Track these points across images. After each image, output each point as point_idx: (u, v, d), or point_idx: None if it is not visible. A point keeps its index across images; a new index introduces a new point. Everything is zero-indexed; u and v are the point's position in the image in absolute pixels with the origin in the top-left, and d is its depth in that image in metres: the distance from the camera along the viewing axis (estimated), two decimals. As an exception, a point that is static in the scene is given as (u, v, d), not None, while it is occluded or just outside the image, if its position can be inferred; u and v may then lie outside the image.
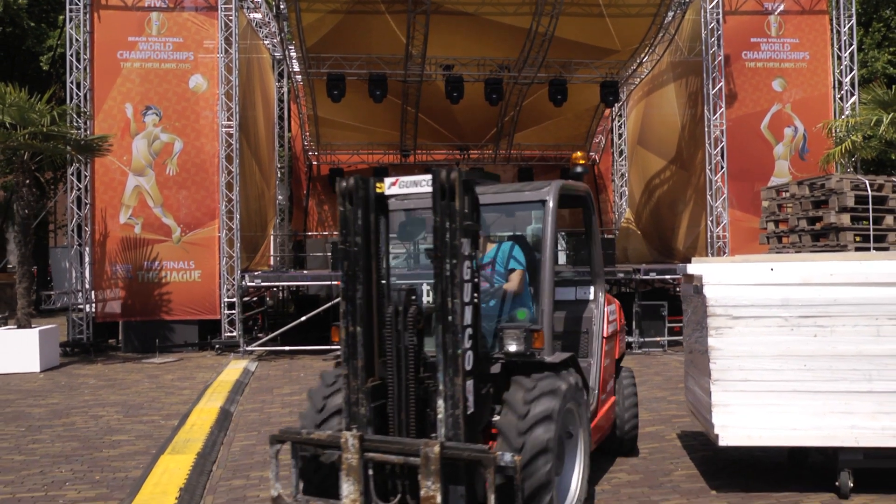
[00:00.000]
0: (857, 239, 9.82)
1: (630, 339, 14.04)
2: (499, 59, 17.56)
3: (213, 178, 14.94)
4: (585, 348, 6.23)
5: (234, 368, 12.36)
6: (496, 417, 4.77)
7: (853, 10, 15.95)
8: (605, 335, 6.23)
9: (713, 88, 15.35)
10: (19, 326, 12.92)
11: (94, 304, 14.65)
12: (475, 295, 4.49)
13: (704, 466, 6.49)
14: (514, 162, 23.05)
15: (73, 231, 14.97)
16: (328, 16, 15.92)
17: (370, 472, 4.35)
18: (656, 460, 6.76)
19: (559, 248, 13.72)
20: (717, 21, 15.34)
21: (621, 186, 22.63)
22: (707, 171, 15.52)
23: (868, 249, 9.68)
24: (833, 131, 14.99)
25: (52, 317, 20.46)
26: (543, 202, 5.46)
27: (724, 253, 15.00)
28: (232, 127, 14.96)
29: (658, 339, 14.40)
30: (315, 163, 22.76)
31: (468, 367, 4.37)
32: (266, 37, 18.82)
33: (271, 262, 20.12)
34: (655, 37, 17.32)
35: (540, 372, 4.80)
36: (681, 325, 7.94)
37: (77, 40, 15.00)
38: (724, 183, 15.27)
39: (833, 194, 9.90)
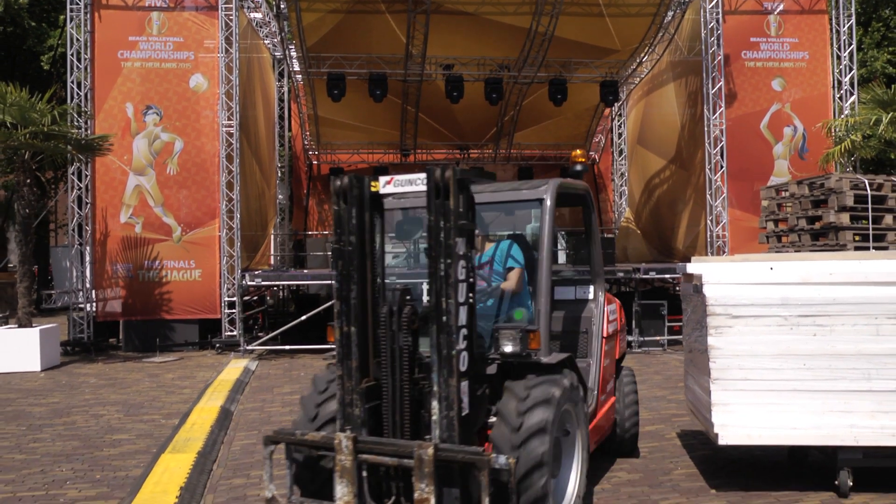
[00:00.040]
0: (857, 238, 9.82)
1: (630, 339, 14.05)
2: (499, 59, 17.57)
3: (213, 177, 14.95)
4: (585, 348, 6.16)
5: (234, 367, 12.37)
6: (492, 419, 4.71)
7: (852, 9, 15.95)
8: (604, 335, 6.16)
9: (713, 88, 15.35)
10: (20, 325, 12.92)
11: (94, 304, 14.66)
12: (470, 295, 4.43)
13: (704, 465, 6.50)
14: (514, 161, 23.04)
15: (73, 230, 14.97)
16: (328, 15, 15.92)
17: (364, 473, 4.32)
18: (656, 459, 6.76)
19: (559, 247, 13.72)
20: (717, 21, 15.34)
21: (621, 186, 22.63)
22: (707, 170, 15.53)
23: (867, 249, 9.69)
24: (832, 131, 15.00)
25: (52, 316, 20.49)
26: (541, 200, 5.41)
27: (724, 252, 15.00)
28: (232, 126, 14.96)
29: (658, 338, 14.42)
30: (315, 162, 22.76)
31: (463, 368, 4.32)
32: (266, 36, 18.82)
33: (272, 262, 20.13)
34: (655, 36, 17.32)
35: (536, 373, 4.72)
36: (680, 324, 7.95)
37: (78, 40, 15.01)
38: (724, 182, 15.28)
39: (832, 194, 9.90)
